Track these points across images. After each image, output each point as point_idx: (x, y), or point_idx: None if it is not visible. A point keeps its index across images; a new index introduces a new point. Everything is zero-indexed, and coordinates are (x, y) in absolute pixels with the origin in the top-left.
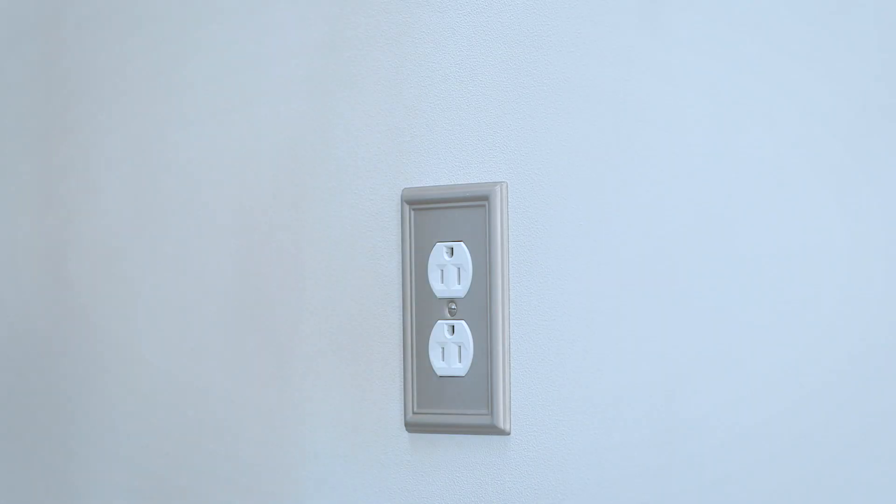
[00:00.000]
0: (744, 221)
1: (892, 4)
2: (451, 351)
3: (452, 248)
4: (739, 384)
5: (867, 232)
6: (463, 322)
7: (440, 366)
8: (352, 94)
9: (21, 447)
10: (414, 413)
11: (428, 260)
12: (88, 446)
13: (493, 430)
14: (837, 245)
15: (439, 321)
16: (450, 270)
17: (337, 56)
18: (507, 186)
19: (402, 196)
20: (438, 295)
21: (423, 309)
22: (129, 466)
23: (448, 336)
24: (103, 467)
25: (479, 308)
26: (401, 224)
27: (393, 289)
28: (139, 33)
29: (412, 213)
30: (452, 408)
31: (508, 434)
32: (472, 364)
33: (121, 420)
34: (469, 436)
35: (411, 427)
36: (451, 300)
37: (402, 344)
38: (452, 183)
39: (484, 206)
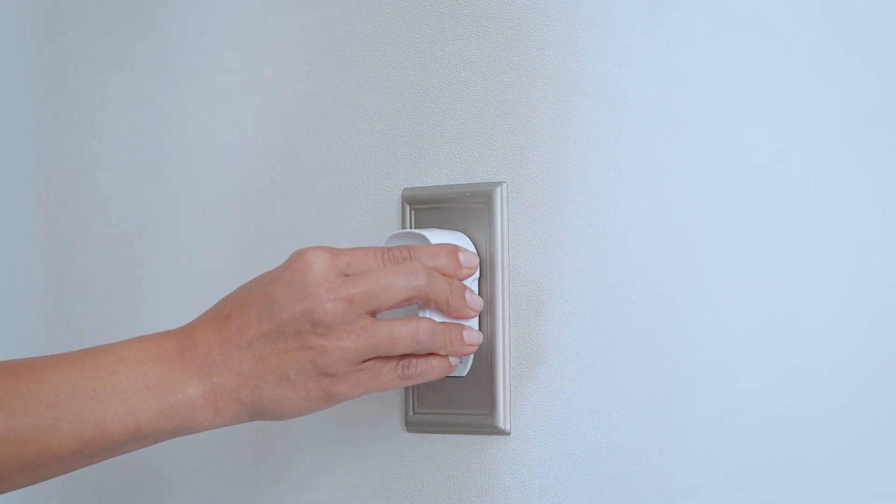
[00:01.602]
0: (744, 222)
1: (892, 5)
2: None
3: None
4: (739, 384)
5: (867, 232)
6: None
7: None
8: (352, 94)
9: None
10: (414, 413)
11: None
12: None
13: (493, 430)
14: (838, 245)
15: None
16: None
17: (337, 56)
18: (507, 186)
19: (402, 196)
20: None
21: None
22: (127, 465)
23: None
24: (103, 465)
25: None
26: (401, 224)
27: None
28: (140, 31)
29: (412, 212)
30: (452, 407)
31: (508, 434)
32: (472, 364)
33: None
34: (469, 436)
35: (411, 427)
36: None
37: None
38: (452, 183)
39: (484, 206)
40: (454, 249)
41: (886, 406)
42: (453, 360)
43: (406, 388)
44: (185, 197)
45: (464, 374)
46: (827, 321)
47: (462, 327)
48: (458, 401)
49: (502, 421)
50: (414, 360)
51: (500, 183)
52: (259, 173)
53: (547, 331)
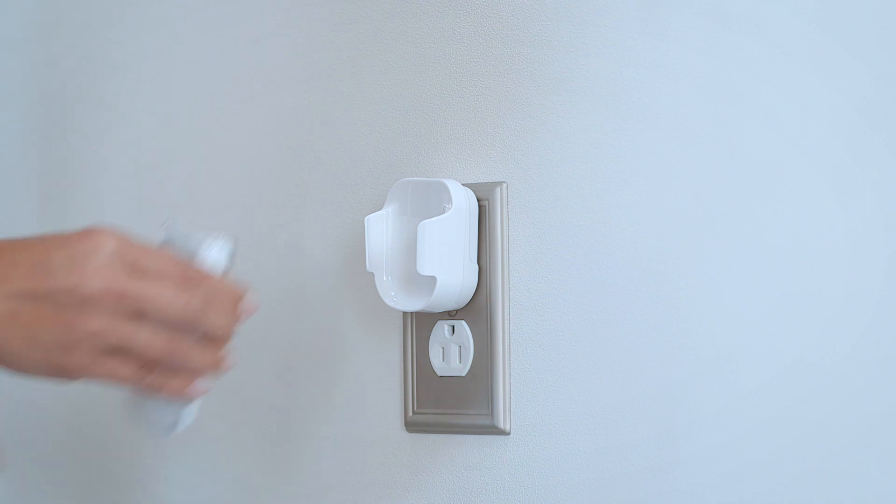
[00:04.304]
0: (744, 221)
1: (892, 4)
2: (452, 351)
3: None
4: (739, 384)
5: (867, 232)
6: (463, 322)
7: (440, 366)
8: (352, 95)
9: (24, 443)
10: (414, 413)
11: None
12: (91, 441)
13: (493, 430)
14: (837, 245)
15: (439, 321)
16: None
17: (337, 57)
18: (507, 186)
19: None
20: None
21: None
22: (132, 461)
23: (448, 336)
24: (105, 460)
25: (479, 308)
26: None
27: None
28: (140, 33)
29: None
30: (452, 408)
31: (508, 434)
32: (472, 364)
33: (122, 418)
34: (469, 436)
35: (411, 427)
36: None
37: (402, 344)
38: None
39: (484, 206)
40: (238, 297)
41: (887, 405)
42: (196, 389)
43: (406, 388)
44: (185, 197)
45: (463, 375)
46: (827, 320)
47: (223, 356)
48: (458, 401)
49: (502, 421)
50: (155, 376)
51: (500, 183)
52: (259, 174)
53: (547, 331)
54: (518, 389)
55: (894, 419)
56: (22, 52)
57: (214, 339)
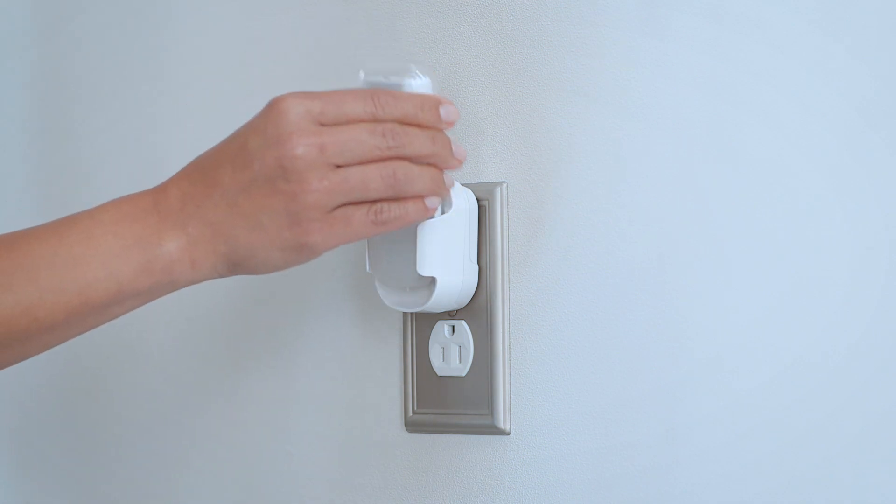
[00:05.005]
0: (744, 221)
1: (892, 4)
2: (452, 351)
3: None
4: (739, 384)
5: (867, 232)
6: (463, 322)
7: (440, 366)
8: None
9: (26, 442)
10: (414, 413)
11: None
12: (93, 441)
13: (493, 430)
14: (837, 245)
15: (439, 321)
16: None
17: (337, 57)
18: (507, 186)
19: None
20: None
21: None
22: (132, 461)
23: (448, 336)
24: (105, 460)
25: (480, 308)
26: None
27: None
28: (140, 33)
29: None
30: (452, 408)
31: (508, 434)
32: (472, 364)
33: (125, 416)
34: (469, 436)
35: (411, 427)
36: None
37: (402, 344)
38: None
39: (484, 206)
40: (436, 103)
41: (887, 405)
42: (430, 202)
43: (406, 388)
44: None
45: (463, 375)
46: (827, 320)
47: (440, 169)
48: (458, 401)
49: (502, 421)
50: (387, 205)
51: (500, 183)
52: None
53: (547, 330)
54: (518, 389)
55: (894, 419)
56: (22, 52)
57: (438, 162)
